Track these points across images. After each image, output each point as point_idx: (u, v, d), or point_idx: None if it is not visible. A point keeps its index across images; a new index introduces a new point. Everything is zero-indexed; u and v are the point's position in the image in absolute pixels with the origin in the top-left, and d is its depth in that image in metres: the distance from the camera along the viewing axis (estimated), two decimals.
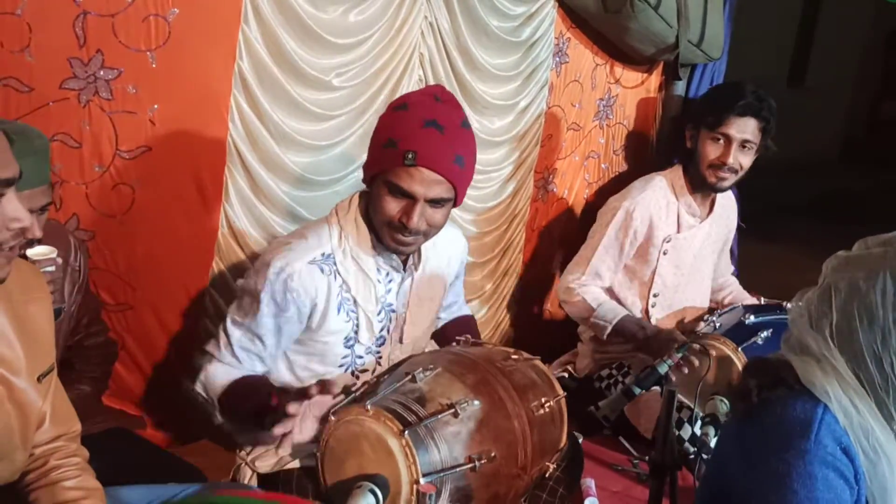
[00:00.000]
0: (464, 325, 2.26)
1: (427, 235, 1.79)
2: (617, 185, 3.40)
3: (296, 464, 1.87)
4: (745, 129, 2.69)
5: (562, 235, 3.60)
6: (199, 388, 1.85)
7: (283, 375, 1.90)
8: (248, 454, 1.92)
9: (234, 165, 2.38)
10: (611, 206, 2.89)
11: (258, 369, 1.86)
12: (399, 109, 1.72)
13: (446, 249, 2.03)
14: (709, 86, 3.75)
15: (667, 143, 3.81)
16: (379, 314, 1.87)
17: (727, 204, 3.06)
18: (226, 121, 2.32)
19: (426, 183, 1.68)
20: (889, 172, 9.95)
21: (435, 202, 1.72)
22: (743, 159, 2.74)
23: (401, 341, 1.94)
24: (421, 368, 1.68)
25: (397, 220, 1.72)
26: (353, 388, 1.82)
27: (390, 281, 1.87)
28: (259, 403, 1.68)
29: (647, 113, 3.82)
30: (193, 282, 2.44)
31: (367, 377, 1.91)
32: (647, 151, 3.87)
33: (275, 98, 2.39)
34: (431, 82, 2.78)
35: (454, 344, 1.98)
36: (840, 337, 1.26)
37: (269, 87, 2.36)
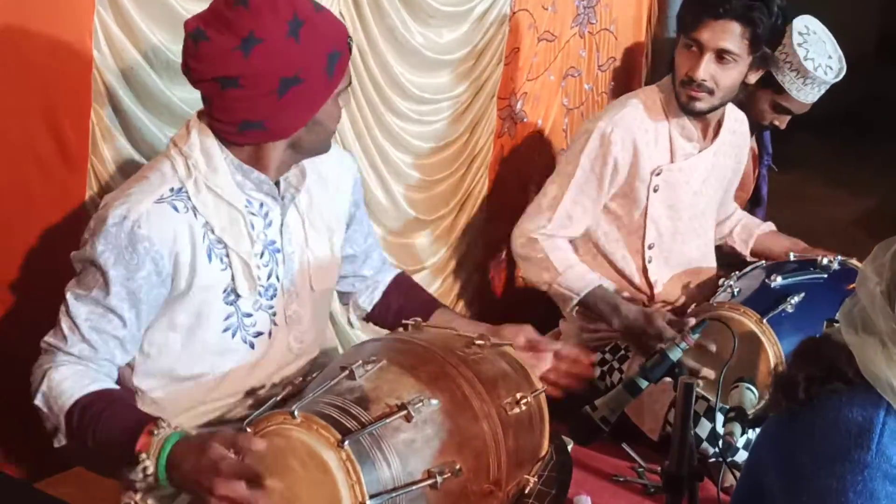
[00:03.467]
0: (410, 290, 2.37)
1: None
2: None
3: None
4: (721, 35, 2.63)
5: (538, 179, 3.62)
6: (39, 401, 1.80)
7: (154, 363, 1.93)
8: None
9: (101, 107, 2.35)
10: (583, 130, 2.88)
11: (118, 358, 1.87)
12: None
13: (331, 171, 2.12)
14: None
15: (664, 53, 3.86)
16: (261, 256, 1.92)
17: (739, 129, 3.04)
18: (89, 47, 2.29)
19: None
20: None
21: None
22: (720, 75, 2.68)
23: (312, 289, 2.03)
24: (360, 361, 1.71)
25: None
26: (283, 386, 1.85)
27: (267, 213, 1.93)
28: (126, 439, 1.67)
29: (639, 15, 3.85)
30: (50, 270, 2.23)
31: (263, 342, 1.96)
32: (641, 65, 3.91)
33: (151, 15, 2.37)
34: None
35: (400, 330, 2.00)
36: None
37: (144, 1, 2.34)
